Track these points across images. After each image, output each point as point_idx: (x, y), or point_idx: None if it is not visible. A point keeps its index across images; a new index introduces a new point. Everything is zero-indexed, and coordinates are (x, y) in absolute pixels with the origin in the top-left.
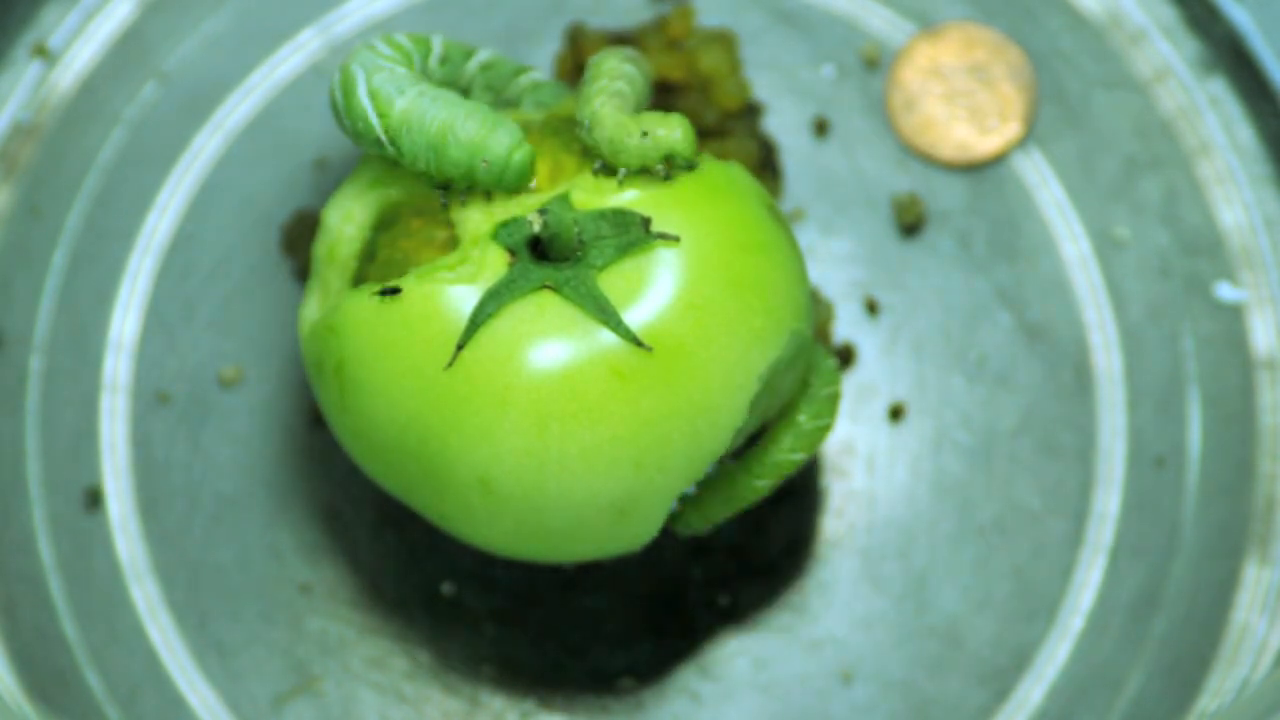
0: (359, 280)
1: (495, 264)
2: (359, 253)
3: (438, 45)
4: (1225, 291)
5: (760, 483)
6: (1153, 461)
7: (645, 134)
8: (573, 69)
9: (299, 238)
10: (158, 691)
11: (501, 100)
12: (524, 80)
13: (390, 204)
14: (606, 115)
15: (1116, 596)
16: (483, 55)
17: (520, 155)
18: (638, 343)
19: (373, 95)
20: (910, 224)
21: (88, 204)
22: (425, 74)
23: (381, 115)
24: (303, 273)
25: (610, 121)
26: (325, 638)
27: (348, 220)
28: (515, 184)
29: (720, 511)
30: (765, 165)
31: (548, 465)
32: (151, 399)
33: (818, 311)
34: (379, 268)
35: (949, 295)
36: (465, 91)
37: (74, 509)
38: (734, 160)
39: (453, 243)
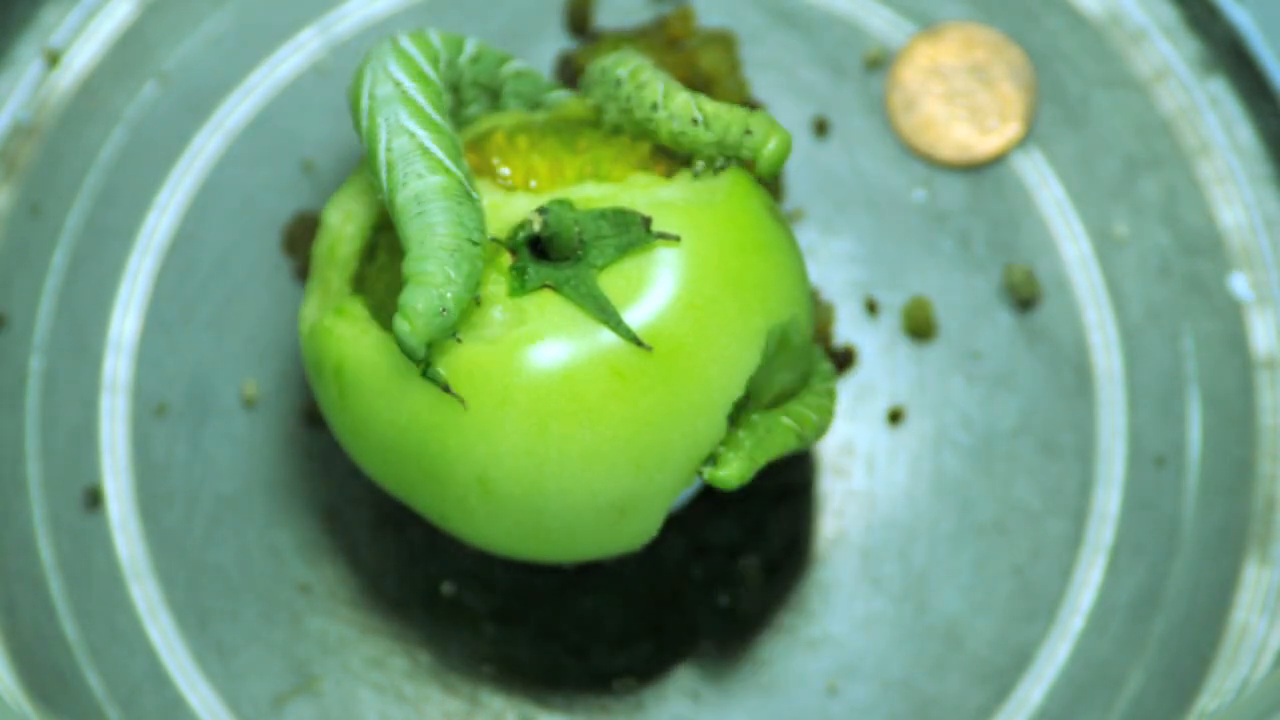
0: (359, 280)
1: (498, 265)
2: (359, 252)
3: (437, 41)
4: (1239, 286)
5: (787, 421)
6: (1153, 461)
7: (749, 132)
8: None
9: (299, 238)
10: (158, 691)
11: (488, 90)
12: (506, 69)
13: None
14: (710, 109)
15: (1116, 596)
16: (470, 48)
17: (413, 334)
18: (638, 342)
19: (389, 170)
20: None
21: (88, 204)
22: (443, 83)
23: (390, 201)
24: (303, 273)
25: (722, 115)
26: (325, 638)
27: (349, 220)
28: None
29: (762, 455)
30: None
31: (547, 465)
32: (151, 403)
33: (818, 312)
34: (379, 269)
35: (949, 295)
36: (455, 88)
37: (74, 509)
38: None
39: None
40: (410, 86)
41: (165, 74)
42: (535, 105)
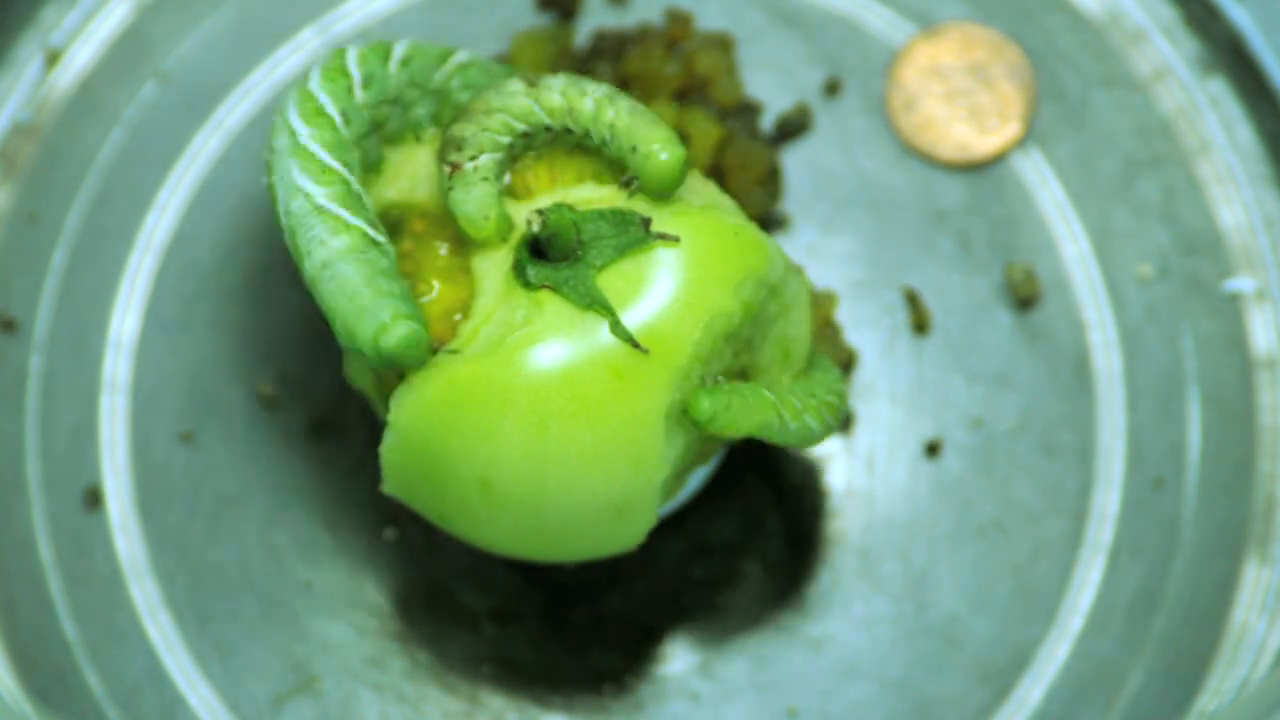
0: None
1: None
2: None
3: (355, 69)
4: (1240, 286)
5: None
6: (1151, 481)
7: (634, 149)
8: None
9: None
10: (158, 691)
11: (429, 89)
12: (449, 64)
13: (388, 204)
14: (621, 122)
15: (1116, 596)
16: (399, 50)
17: (389, 340)
18: (634, 344)
19: (291, 236)
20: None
21: (87, 203)
22: (356, 111)
23: (299, 268)
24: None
25: (619, 130)
26: (325, 638)
27: None
28: (397, 364)
29: (744, 421)
30: (766, 164)
31: (548, 465)
32: (174, 428)
33: (819, 302)
34: None
35: (949, 295)
36: (394, 100)
37: (74, 508)
38: (740, 158)
39: (458, 243)
40: (305, 133)
41: (165, 74)
42: (429, 84)
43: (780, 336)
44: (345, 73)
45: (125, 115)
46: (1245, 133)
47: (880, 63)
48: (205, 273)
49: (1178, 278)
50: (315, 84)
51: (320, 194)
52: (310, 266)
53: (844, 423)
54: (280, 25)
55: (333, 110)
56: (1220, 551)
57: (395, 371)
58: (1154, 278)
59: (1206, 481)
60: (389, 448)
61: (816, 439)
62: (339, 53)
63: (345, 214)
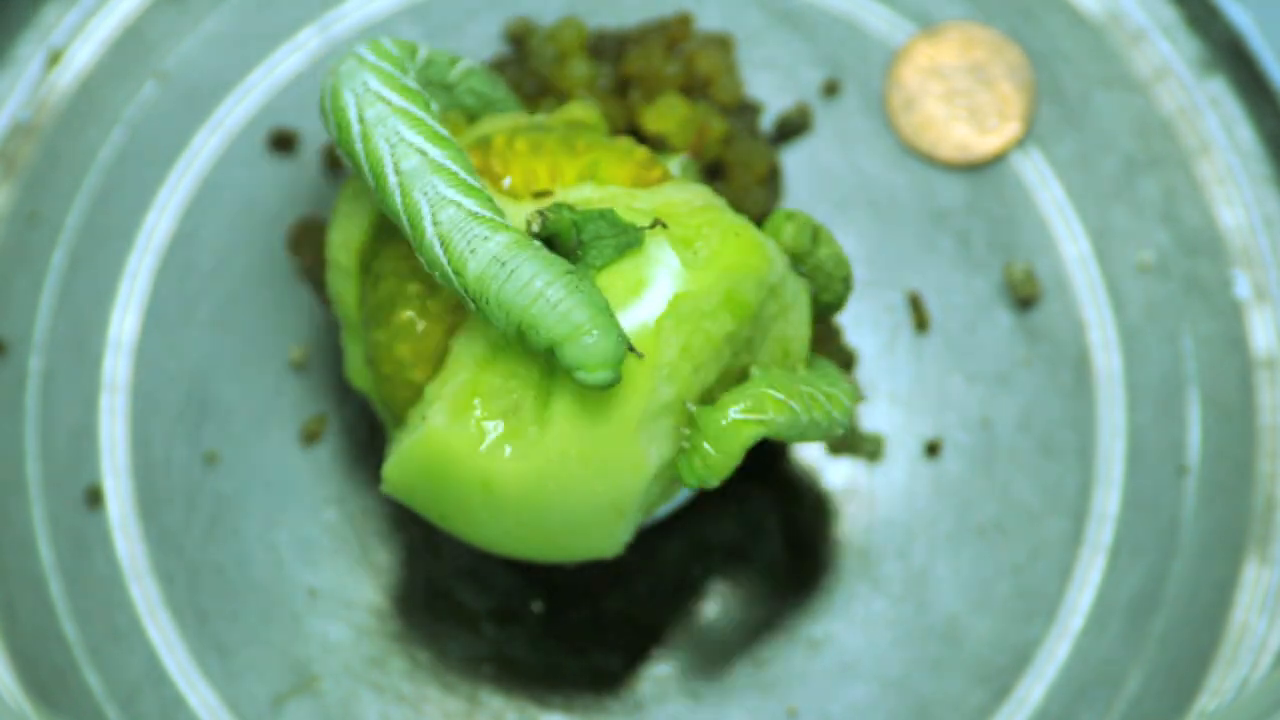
0: (362, 288)
1: None
2: (360, 250)
3: (396, 50)
4: (1239, 286)
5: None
6: (1153, 470)
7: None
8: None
9: (303, 240)
10: (157, 691)
11: (443, 85)
12: (456, 70)
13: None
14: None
15: (1116, 596)
16: (423, 52)
17: (603, 367)
18: (630, 348)
19: (444, 241)
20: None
21: (87, 203)
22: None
23: (458, 273)
24: (306, 273)
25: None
26: (325, 638)
27: (349, 227)
28: (597, 378)
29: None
30: (766, 164)
31: (548, 466)
32: (200, 448)
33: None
34: (374, 278)
35: (949, 294)
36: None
37: (74, 509)
38: (740, 158)
39: None
40: (400, 101)
41: (165, 74)
42: (489, 101)
43: (780, 336)
44: (396, 55)
45: (125, 115)
46: (1245, 133)
47: (880, 63)
48: (205, 273)
49: (1178, 278)
50: (382, 62)
51: (442, 156)
52: (475, 267)
53: (873, 452)
54: (280, 25)
55: (414, 85)
56: (1220, 551)
57: (404, 380)
58: (1154, 266)
59: (1206, 481)
60: (400, 454)
61: (825, 433)
62: (377, 40)
63: (490, 213)
